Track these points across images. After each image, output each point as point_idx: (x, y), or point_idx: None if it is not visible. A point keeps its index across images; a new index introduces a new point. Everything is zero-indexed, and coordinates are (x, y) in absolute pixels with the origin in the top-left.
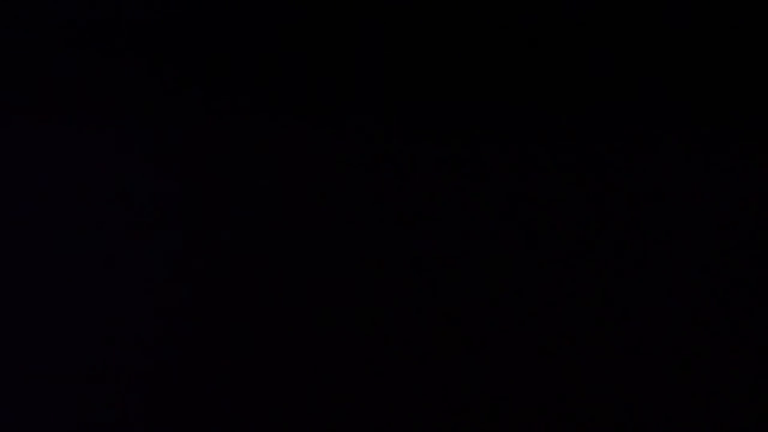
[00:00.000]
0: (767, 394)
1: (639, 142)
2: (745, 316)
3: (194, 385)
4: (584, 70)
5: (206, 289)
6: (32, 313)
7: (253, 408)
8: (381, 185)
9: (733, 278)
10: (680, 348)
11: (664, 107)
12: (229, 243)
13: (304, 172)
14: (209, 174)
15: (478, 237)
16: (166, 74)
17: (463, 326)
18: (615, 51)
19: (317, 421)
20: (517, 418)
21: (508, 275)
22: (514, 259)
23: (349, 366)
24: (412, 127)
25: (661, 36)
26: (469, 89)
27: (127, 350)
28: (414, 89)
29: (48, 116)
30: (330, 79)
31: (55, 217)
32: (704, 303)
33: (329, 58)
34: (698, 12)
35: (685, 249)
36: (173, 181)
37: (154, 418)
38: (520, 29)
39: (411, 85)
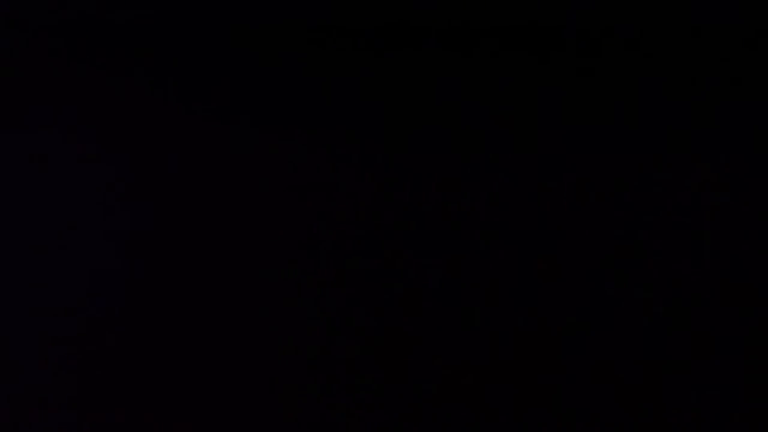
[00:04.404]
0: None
1: (637, 142)
2: (745, 315)
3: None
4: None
5: (203, 290)
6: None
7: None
8: (376, 188)
9: (733, 278)
10: (680, 348)
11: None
12: (213, 244)
13: (296, 175)
14: (195, 177)
15: (475, 242)
16: (152, 79)
17: (462, 330)
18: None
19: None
20: (517, 418)
21: (506, 278)
22: (512, 262)
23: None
24: (404, 132)
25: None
26: (464, 90)
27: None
28: (407, 94)
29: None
30: (323, 83)
31: (33, 221)
32: (704, 303)
33: (326, 59)
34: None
35: (684, 249)
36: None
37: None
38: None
39: (403, 88)
